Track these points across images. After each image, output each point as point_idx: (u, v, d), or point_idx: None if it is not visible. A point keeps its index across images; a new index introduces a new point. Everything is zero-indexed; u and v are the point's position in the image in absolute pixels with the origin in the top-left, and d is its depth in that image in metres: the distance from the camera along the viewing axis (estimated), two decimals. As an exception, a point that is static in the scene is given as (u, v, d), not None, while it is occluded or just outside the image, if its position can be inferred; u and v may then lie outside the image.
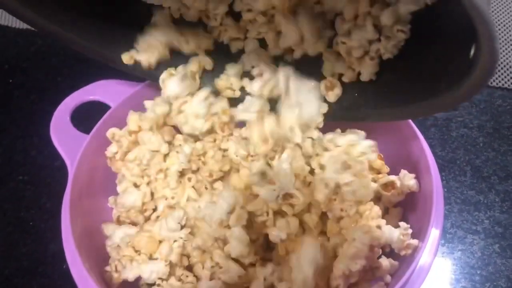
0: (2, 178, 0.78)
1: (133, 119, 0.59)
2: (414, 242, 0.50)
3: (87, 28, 0.57)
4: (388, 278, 0.54)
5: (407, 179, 0.54)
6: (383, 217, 0.54)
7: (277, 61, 0.57)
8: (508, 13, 0.92)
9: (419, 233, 0.52)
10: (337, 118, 0.55)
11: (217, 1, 0.53)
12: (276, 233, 0.53)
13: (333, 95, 0.55)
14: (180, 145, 0.60)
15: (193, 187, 0.59)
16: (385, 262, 0.53)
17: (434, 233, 0.50)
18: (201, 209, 0.56)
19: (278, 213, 0.55)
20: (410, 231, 0.51)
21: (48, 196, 0.75)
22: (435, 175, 0.53)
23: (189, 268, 0.57)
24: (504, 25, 0.91)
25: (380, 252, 0.54)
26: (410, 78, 0.50)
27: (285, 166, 0.53)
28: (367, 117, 0.54)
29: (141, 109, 0.61)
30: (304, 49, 0.55)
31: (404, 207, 0.58)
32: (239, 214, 0.53)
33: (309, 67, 0.54)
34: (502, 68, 0.85)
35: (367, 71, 0.53)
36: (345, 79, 0.55)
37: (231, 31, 0.58)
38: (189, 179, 0.60)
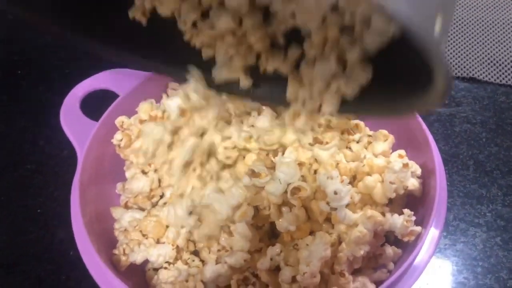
0: (11, 166, 0.79)
1: (144, 108, 0.60)
2: (417, 229, 0.51)
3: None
4: (391, 265, 0.55)
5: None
6: (386, 206, 0.55)
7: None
8: (507, 12, 0.93)
9: (422, 222, 0.53)
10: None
11: (190, 7, 0.47)
12: (285, 225, 0.53)
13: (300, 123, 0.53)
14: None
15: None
16: (388, 249, 0.54)
17: (437, 223, 0.50)
18: (207, 198, 0.56)
19: (284, 204, 0.55)
20: (413, 218, 0.52)
21: (56, 185, 0.76)
22: (440, 169, 0.54)
23: (196, 253, 0.58)
24: (508, 24, 0.91)
25: (384, 240, 0.55)
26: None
27: (288, 159, 0.53)
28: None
29: (149, 97, 0.62)
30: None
31: (408, 197, 0.59)
32: (244, 211, 0.54)
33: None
34: (506, 66, 0.86)
35: (328, 106, 0.43)
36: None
37: (203, 36, 0.52)
38: (194, 169, 0.60)
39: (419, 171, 0.54)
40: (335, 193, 0.51)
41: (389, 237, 0.56)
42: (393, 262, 0.55)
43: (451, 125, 0.81)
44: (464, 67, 0.87)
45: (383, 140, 0.56)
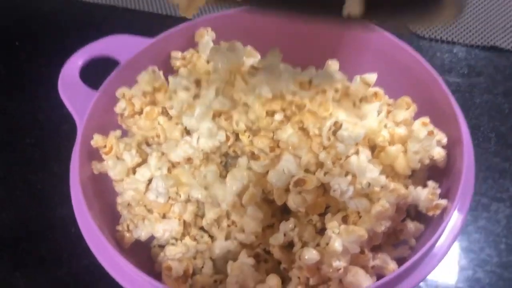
0: (10, 141, 0.76)
1: (145, 79, 0.56)
2: (443, 202, 0.47)
3: None
4: (412, 241, 0.51)
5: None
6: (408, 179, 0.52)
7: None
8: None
9: (447, 195, 0.49)
10: None
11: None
12: (294, 206, 0.50)
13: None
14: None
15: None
16: (409, 224, 0.51)
17: (464, 196, 0.46)
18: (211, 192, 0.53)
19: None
20: (438, 190, 0.48)
21: (56, 160, 0.73)
22: (466, 137, 0.50)
23: (204, 229, 0.54)
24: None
25: (405, 215, 0.51)
26: None
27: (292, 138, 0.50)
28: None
29: (152, 65, 0.58)
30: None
31: (430, 170, 0.55)
32: (252, 193, 0.50)
33: None
34: (529, 33, 0.81)
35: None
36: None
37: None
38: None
39: (444, 139, 0.50)
40: (334, 190, 0.47)
41: (410, 212, 0.53)
42: (414, 238, 0.51)
43: (471, 96, 0.76)
44: (485, 35, 0.82)
45: (405, 108, 0.52)
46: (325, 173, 0.48)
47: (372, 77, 0.52)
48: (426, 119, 0.49)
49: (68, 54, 0.63)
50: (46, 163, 0.73)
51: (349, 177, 0.47)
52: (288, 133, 0.50)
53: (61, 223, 0.66)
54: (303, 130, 0.50)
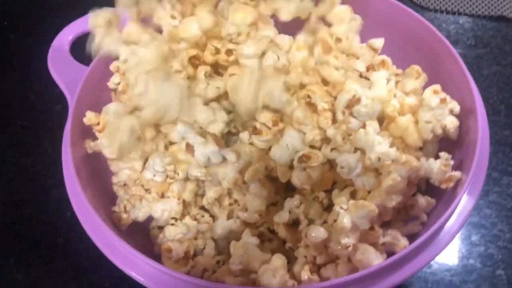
0: (1, 123, 0.73)
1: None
2: (457, 174, 0.45)
3: None
4: (424, 217, 0.49)
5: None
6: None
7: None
8: None
9: (461, 168, 0.47)
10: None
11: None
12: (298, 184, 0.47)
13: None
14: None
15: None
16: (420, 199, 0.48)
17: (479, 167, 0.44)
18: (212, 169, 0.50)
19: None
20: (452, 162, 0.45)
21: (49, 142, 0.70)
22: (480, 105, 0.48)
23: (205, 209, 0.52)
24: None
25: (416, 189, 0.49)
26: None
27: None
28: None
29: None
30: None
31: (440, 142, 0.52)
32: (255, 170, 0.48)
33: None
34: (538, 1, 0.78)
35: None
36: None
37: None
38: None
39: (457, 107, 0.47)
40: (342, 167, 0.45)
41: (420, 186, 0.50)
42: (425, 213, 0.49)
43: (478, 68, 0.74)
44: (492, 5, 0.79)
45: (415, 78, 0.49)
46: (332, 149, 0.46)
47: (379, 42, 0.49)
48: (437, 87, 0.47)
49: (58, 32, 0.60)
50: (38, 145, 0.70)
51: (358, 153, 0.45)
52: (292, 106, 0.47)
53: (56, 207, 0.64)
54: (310, 105, 0.47)
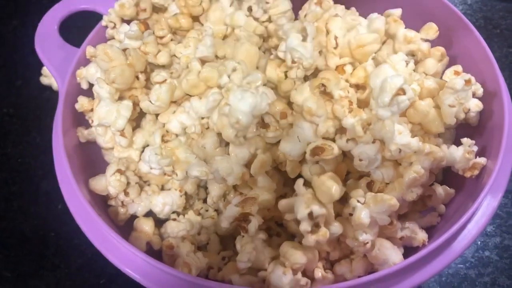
0: (-16, 111, 0.69)
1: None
2: (481, 160, 0.42)
3: None
4: (441, 208, 0.46)
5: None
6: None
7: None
8: None
9: (484, 154, 0.43)
10: None
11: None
12: (310, 176, 0.44)
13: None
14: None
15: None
16: (439, 189, 0.45)
17: (507, 153, 0.40)
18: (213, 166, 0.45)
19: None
20: (475, 148, 0.42)
21: (38, 130, 0.66)
22: (504, 87, 0.44)
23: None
24: None
25: (434, 178, 0.46)
26: None
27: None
28: None
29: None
30: None
31: (458, 129, 0.49)
32: (262, 161, 0.44)
33: None
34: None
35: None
36: None
37: None
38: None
39: (480, 90, 0.44)
40: (360, 159, 0.41)
41: (437, 174, 0.47)
42: (444, 204, 0.45)
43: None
44: (501, -16, 0.76)
45: (439, 60, 0.46)
46: (348, 140, 0.42)
47: (397, 11, 0.45)
48: (458, 68, 0.43)
49: (45, 12, 0.56)
50: (26, 134, 0.66)
51: (377, 144, 0.41)
52: (304, 95, 0.43)
53: (46, 199, 0.60)
54: (324, 93, 0.43)
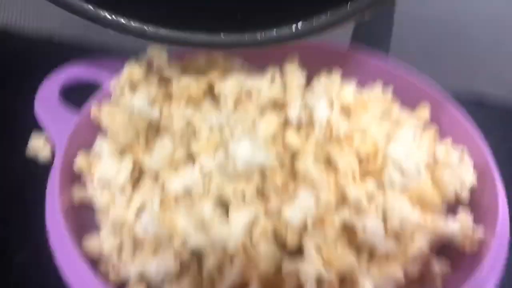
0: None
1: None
2: (479, 234, 0.42)
3: None
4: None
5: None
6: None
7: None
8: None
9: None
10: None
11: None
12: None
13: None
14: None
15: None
16: (434, 266, 0.44)
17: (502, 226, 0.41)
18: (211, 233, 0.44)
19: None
20: (470, 220, 0.43)
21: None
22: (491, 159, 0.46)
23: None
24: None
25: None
26: None
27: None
28: None
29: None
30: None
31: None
32: (264, 227, 0.43)
33: None
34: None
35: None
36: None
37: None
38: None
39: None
40: (365, 233, 0.41)
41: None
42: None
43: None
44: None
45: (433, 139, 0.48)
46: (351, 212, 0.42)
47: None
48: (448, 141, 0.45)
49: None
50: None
51: (381, 217, 0.42)
52: (307, 164, 0.44)
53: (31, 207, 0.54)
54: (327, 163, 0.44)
